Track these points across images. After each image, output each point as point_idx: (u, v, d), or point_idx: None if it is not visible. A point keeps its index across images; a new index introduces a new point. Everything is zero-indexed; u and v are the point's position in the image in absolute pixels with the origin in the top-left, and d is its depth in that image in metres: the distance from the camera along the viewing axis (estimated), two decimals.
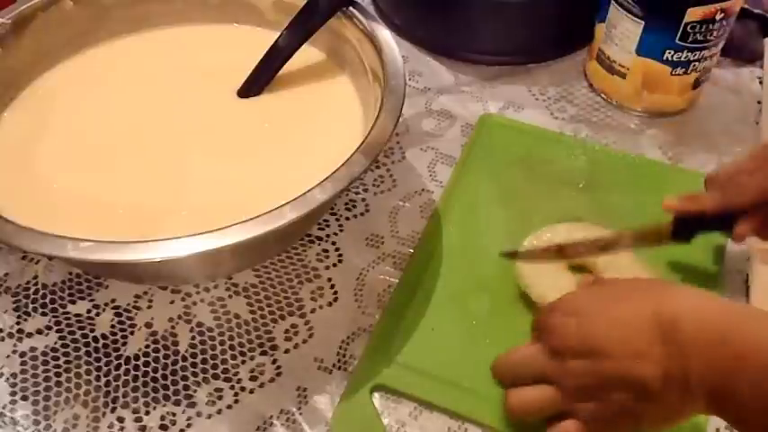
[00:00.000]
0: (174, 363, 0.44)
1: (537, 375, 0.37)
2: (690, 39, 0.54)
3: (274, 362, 0.44)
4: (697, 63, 0.56)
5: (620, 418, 0.34)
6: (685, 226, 0.43)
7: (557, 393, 0.36)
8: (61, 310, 0.47)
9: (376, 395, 0.43)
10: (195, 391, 0.43)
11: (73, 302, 0.47)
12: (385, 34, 0.49)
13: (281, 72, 0.52)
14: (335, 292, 0.48)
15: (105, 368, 0.44)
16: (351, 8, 0.51)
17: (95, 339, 0.46)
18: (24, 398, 0.43)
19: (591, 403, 0.35)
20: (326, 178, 0.39)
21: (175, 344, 0.45)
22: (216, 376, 0.44)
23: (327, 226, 0.52)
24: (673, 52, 0.55)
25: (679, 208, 0.43)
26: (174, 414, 0.42)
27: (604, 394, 0.34)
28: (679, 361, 0.32)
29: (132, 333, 0.46)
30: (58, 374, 0.44)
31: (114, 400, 0.43)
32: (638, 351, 0.33)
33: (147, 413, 0.42)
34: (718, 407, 0.31)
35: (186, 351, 0.45)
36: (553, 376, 0.36)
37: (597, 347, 0.34)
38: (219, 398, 0.43)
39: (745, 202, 0.41)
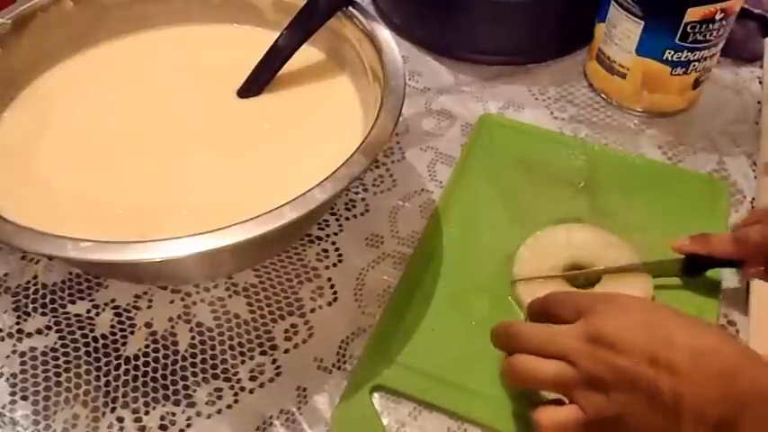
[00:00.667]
0: (174, 363, 0.44)
1: (559, 354, 0.36)
2: (690, 39, 0.54)
3: (274, 362, 0.44)
4: (697, 63, 0.56)
5: (617, 425, 0.34)
6: (694, 264, 0.46)
7: (572, 373, 0.35)
8: (61, 310, 0.47)
9: (376, 395, 0.43)
10: (195, 391, 0.43)
11: (73, 302, 0.47)
12: (385, 34, 0.49)
13: (281, 72, 0.52)
14: (335, 292, 0.48)
15: (105, 368, 0.44)
16: (351, 8, 0.51)
17: (95, 339, 0.46)
18: (24, 398, 0.43)
19: (599, 397, 0.34)
20: (326, 178, 0.39)
21: (175, 344, 0.45)
22: (216, 376, 0.44)
23: (327, 226, 0.52)
24: (673, 52, 0.55)
25: (689, 250, 0.46)
26: (173, 414, 0.42)
27: (613, 393, 0.34)
28: (677, 387, 0.32)
29: (132, 333, 0.46)
30: (57, 374, 0.44)
31: (114, 400, 0.43)
32: (660, 360, 0.33)
33: (147, 413, 0.42)
34: None
35: (186, 351, 0.45)
36: (576, 359, 0.35)
37: (627, 347, 0.34)
38: (219, 398, 0.43)
39: (752, 253, 0.43)
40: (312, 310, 0.47)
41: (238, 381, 0.44)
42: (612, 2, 0.56)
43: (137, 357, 0.45)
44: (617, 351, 0.34)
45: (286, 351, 0.45)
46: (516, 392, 0.42)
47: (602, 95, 0.62)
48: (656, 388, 0.33)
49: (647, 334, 0.34)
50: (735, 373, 0.32)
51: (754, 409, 0.31)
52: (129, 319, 0.46)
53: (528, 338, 0.38)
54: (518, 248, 0.49)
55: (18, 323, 0.46)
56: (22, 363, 0.44)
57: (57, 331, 0.46)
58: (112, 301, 0.47)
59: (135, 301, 0.47)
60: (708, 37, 0.54)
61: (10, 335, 0.46)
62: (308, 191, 0.38)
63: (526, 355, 0.37)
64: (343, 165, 0.40)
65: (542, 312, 0.40)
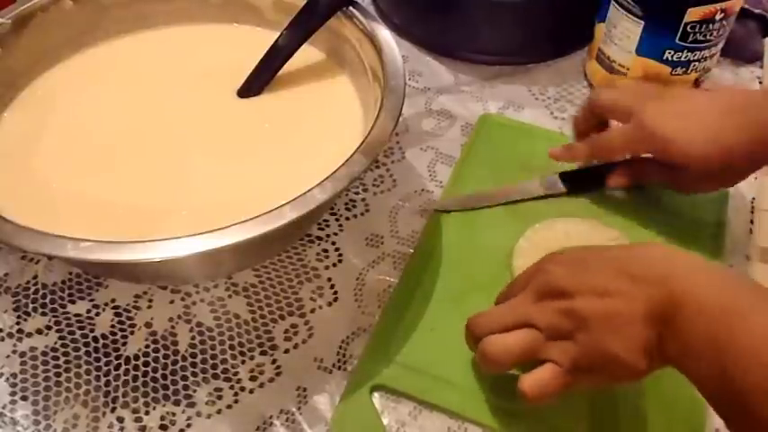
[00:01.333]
0: (174, 363, 0.44)
1: (519, 321, 0.37)
2: (690, 39, 0.54)
3: (274, 362, 0.44)
4: (697, 63, 0.56)
5: (592, 361, 0.35)
6: (576, 181, 0.53)
7: (536, 335, 0.36)
8: (61, 310, 0.47)
9: (376, 395, 0.43)
10: (195, 391, 0.43)
11: (73, 302, 0.47)
12: (385, 34, 0.49)
13: (281, 72, 0.52)
14: (335, 292, 0.48)
15: (105, 368, 0.44)
16: (351, 8, 0.51)
17: (95, 339, 0.46)
18: (24, 398, 0.43)
19: (566, 344, 0.35)
20: (326, 178, 0.39)
21: (175, 344, 0.45)
22: (216, 376, 0.44)
23: (327, 226, 0.52)
24: (673, 52, 0.55)
25: (558, 155, 0.52)
26: (173, 414, 0.42)
27: (577, 335, 0.35)
28: (644, 294, 0.33)
29: (132, 333, 0.46)
30: (57, 374, 0.44)
31: (114, 400, 0.43)
32: (606, 290, 0.34)
33: (147, 413, 0.42)
34: (665, 345, 0.33)
35: (186, 351, 0.45)
36: (534, 317, 0.36)
37: (573, 288, 0.35)
38: (219, 398, 0.43)
39: (611, 157, 0.51)
40: (312, 310, 0.47)
41: (238, 381, 0.44)
42: (612, 2, 0.56)
43: (137, 357, 0.45)
44: (563, 297, 0.35)
45: (286, 351, 0.45)
46: (515, 391, 0.42)
47: None
48: (605, 315, 0.34)
49: (584, 272, 0.36)
50: (666, 277, 0.33)
51: (687, 309, 0.32)
52: (129, 319, 0.47)
53: (486, 321, 0.39)
54: (515, 245, 0.49)
55: (18, 323, 0.46)
56: (22, 363, 0.44)
57: (57, 331, 0.46)
58: (112, 301, 0.47)
59: (135, 301, 0.47)
60: (708, 37, 0.54)
61: (10, 335, 0.46)
62: (308, 191, 0.38)
63: (490, 336, 0.38)
64: (343, 165, 0.40)
65: (501, 301, 0.41)
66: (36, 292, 0.48)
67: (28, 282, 0.48)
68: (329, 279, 0.49)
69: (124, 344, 0.45)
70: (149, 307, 0.47)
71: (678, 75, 0.57)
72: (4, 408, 0.42)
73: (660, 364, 0.34)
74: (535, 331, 0.36)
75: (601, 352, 0.34)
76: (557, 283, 0.36)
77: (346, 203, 0.53)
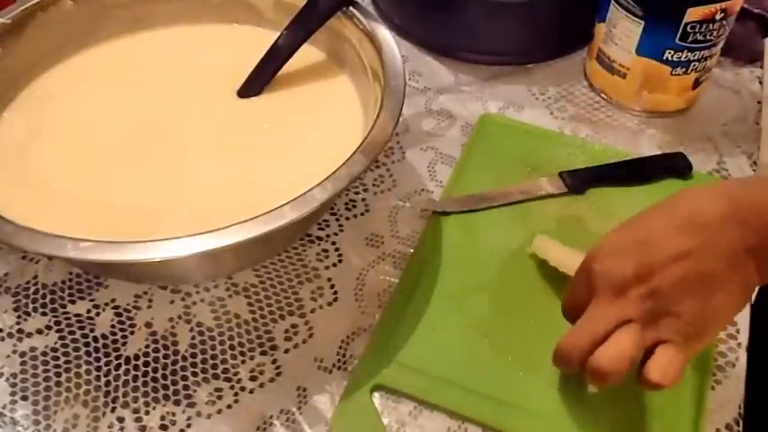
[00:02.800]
0: (174, 363, 0.44)
1: (614, 324, 0.35)
2: (690, 39, 0.54)
3: (274, 362, 0.44)
4: (697, 63, 0.56)
5: (703, 324, 0.35)
6: None
7: (637, 327, 0.35)
8: (61, 310, 0.47)
9: (376, 395, 0.43)
10: (195, 391, 0.43)
11: (73, 302, 0.47)
12: (385, 34, 0.49)
13: (281, 72, 0.52)
14: (335, 292, 0.48)
15: (105, 368, 0.44)
16: (351, 8, 0.51)
17: (95, 339, 0.46)
18: (24, 398, 0.43)
19: (669, 320, 0.35)
20: (326, 178, 0.39)
21: (175, 344, 0.45)
22: (216, 376, 0.44)
23: (327, 226, 0.52)
24: (673, 52, 0.55)
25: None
26: (173, 414, 0.42)
27: (675, 308, 0.34)
28: (715, 238, 0.34)
29: (132, 333, 0.46)
30: (57, 374, 0.44)
31: (114, 400, 0.43)
32: (678, 253, 0.34)
33: (147, 413, 0.42)
34: (764, 269, 0.34)
35: (186, 351, 0.45)
36: (625, 313, 0.35)
37: (643, 270, 0.35)
38: (219, 398, 0.43)
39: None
40: (312, 310, 0.47)
41: (238, 381, 0.44)
42: (612, 2, 0.56)
43: (137, 357, 0.45)
44: (639, 282, 0.35)
45: (286, 351, 0.45)
46: (516, 391, 0.42)
47: (602, 95, 0.62)
48: (694, 277, 0.34)
49: (642, 248, 0.35)
50: (739, 213, 0.34)
51: None
52: (130, 319, 0.46)
53: (582, 340, 0.36)
54: (520, 248, 0.49)
55: (18, 323, 0.46)
56: (23, 363, 0.44)
57: (57, 331, 0.46)
58: (112, 300, 0.47)
59: (135, 301, 0.47)
60: (708, 37, 0.54)
61: (10, 335, 0.46)
62: (308, 191, 0.38)
63: (598, 351, 0.35)
64: (343, 165, 0.40)
65: (575, 317, 0.38)
66: (36, 292, 0.48)
67: (28, 282, 0.48)
68: (329, 279, 0.49)
69: (124, 344, 0.45)
70: (149, 307, 0.47)
71: (678, 75, 0.57)
72: (4, 408, 0.42)
73: (762, 282, 0.35)
74: (635, 324, 0.35)
75: (706, 312, 0.34)
76: (623, 275, 0.35)
77: (346, 203, 0.53)
